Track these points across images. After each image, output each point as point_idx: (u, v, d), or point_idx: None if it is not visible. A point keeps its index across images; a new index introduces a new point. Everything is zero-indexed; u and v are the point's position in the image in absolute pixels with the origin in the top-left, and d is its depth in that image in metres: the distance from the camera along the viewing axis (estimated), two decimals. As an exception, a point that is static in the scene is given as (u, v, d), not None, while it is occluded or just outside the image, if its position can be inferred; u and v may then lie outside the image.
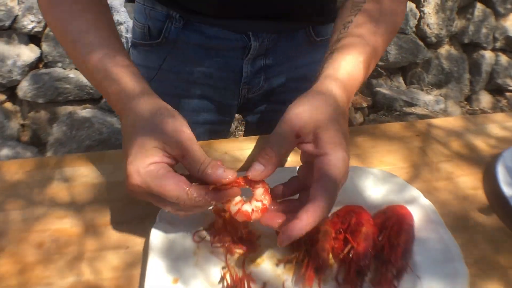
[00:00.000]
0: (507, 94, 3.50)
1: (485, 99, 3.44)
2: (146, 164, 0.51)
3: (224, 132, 1.04)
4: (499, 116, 0.93)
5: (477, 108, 3.35)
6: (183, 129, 0.53)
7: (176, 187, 0.50)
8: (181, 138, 0.52)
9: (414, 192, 0.64)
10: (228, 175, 0.51)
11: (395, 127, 0.87)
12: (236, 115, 1.04)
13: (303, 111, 0.52)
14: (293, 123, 0.52)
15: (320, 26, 0.91)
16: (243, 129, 2.11)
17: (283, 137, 0.53)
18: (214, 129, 0.98)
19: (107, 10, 0.67)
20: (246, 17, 0.82)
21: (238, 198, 0.53)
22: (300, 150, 0.54)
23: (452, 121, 0.90)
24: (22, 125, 2.65)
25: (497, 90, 3.48)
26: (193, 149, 0.52)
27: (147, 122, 0.53)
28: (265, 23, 0.84)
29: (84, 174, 0.71)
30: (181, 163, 0.53)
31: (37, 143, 2.54)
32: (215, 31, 0.84)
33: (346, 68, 0.58)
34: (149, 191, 0.51)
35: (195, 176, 0.52)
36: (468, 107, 3.35)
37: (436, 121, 0.90)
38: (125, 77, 0.57)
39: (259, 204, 0.53)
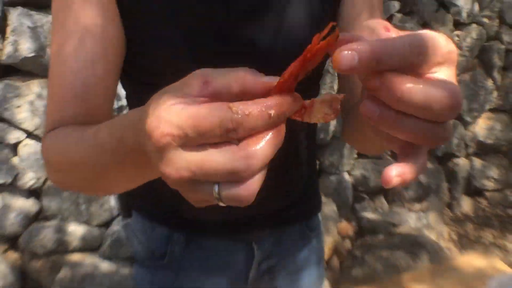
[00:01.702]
0: (487, 194, 3.66)
1: (466, 204, 3.59)
2: (167, 106, 0.37)
3: None
4: None
5: (459, 214, 3.49)
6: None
7: (214, 107, 0.36)
8: (198, 71, 0.40)
9: None
10: (276, 79, 0.38)
11: None
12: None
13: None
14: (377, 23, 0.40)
15: (311, 220, 0.95)
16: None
17: (374, 26, 0.40)
18: None
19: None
20: (249, 228, 0.85)
21: None
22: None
23: None
24: (24, 275, 2.72)
25: (476, 192, 3.64)
26: (216, 70, 0.39)
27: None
28: (266, 230, 0.87)
29: None
30: (209, 92, 0.38)
31: (39, 294, 2.61)
32: (218, 244, 0.86)
33: None
34: (179, 134, 0.36)
35: (233, 93, 0.38)
36: (450, 213, 3.49)
37: None
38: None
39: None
